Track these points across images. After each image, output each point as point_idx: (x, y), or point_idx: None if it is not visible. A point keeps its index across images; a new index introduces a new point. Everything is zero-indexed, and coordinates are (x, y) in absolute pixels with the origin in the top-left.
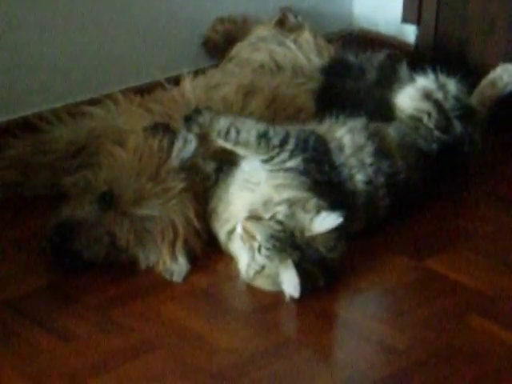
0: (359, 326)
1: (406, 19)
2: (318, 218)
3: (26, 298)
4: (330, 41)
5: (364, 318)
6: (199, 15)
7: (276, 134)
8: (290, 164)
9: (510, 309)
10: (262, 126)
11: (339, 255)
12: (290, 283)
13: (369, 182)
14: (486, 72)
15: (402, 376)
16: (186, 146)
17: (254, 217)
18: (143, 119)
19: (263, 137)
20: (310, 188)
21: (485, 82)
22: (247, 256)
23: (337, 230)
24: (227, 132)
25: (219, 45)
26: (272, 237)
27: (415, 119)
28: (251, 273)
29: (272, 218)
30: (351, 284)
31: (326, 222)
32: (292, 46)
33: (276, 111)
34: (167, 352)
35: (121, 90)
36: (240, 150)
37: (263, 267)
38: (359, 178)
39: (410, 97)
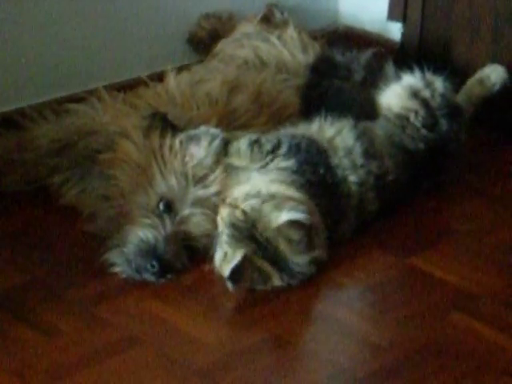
0: (343, 323)
1: (391, 17)
2: (282, 212)
3: (9, 293)
4: (315, 38)
5: (348, 315)
6: (184, 11)
7: (268, 140)
8: (284, 164)
9: (493, 306)
10: (253, 135)
11: (306, 260)
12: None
13: (361, 184)
14: (471, 70)
15: (386, 373)
16: (213, 142)
17: (231, 205)
18: (128, 116)
19: (255, 143)
20: (303, 187)
21: (472, 80)
22: (219, 240)
23: (301, 230)
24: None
25: (204, 41)
26: (232, 225)
27: (402, 118)
28: (218, 260)
29: (242, 208)
30: (335, 281)
31: (285, 214)
32: (276, 42)
33: (261, 107)
34: (151, 348)
35: (104, 86)
36: (236, 162)
37: (226, 254)
38: (352, 179)
39: (396, 95)
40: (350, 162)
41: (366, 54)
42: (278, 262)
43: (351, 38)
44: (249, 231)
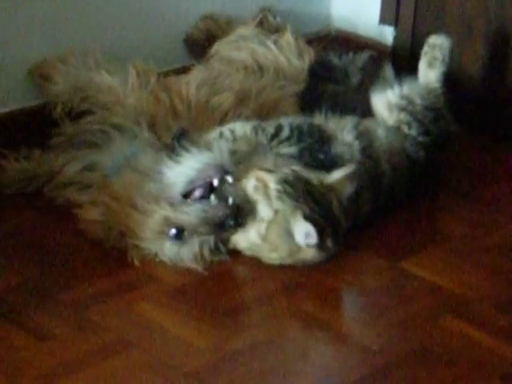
0: (334, 327)
1: (383, 21)
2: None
3: (1, 295)
4: (308, 42)
5: (339, 319)
6: (178, 14)
7: (269, 124)
8: (286, 150)
9: (485, 310)
10: (253, 121)
11: (345, 223)
12: (301, 232)
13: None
14: (463, 73)
15: (378, 377)
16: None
17: (265, 169)
18: (148, 109)
19: (258, 127)
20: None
21: (422, 66)
22: (262, 205)
23: (353, 183)
24: (220, 135)
25: (200, 42)
26: (285, 181)
27: (398, 128)
28: (263, 226)
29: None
30: (327, 284)
31: (341, 170)
32: (273, 46)
33: (260, 116)
34: (143, 351)
35: None
36: (244, 147)
37: (276, 212)
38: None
39: (387, 109)
40: (350, 154)
41: (363, 57)
42: (330, 220)
43: (344, 42)
44: (306, 187)
